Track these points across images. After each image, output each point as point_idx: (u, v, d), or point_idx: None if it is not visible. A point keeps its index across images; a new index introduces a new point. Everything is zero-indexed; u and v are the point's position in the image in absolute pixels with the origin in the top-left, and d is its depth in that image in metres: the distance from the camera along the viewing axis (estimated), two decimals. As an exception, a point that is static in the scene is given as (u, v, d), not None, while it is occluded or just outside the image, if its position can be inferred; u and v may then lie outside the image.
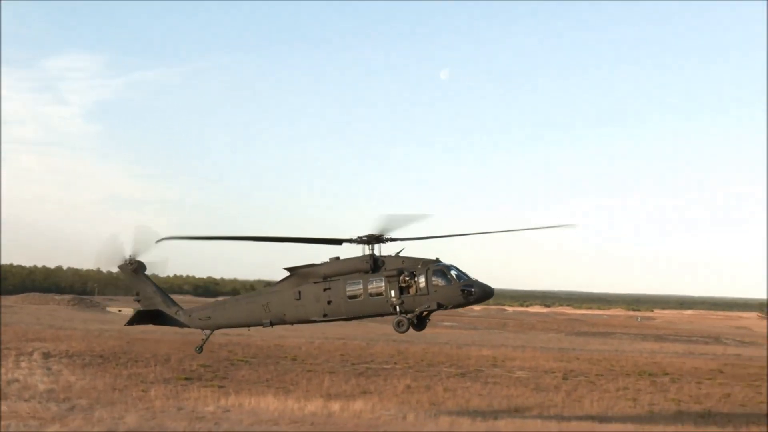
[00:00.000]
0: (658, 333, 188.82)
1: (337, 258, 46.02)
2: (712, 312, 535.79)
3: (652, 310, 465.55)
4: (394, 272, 43.96)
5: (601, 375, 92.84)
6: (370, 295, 44.37)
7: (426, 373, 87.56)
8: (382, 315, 45.65)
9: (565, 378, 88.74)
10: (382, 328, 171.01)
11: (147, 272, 47.65)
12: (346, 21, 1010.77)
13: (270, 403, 61.34)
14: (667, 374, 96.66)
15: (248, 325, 48.56)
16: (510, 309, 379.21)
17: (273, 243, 45.21)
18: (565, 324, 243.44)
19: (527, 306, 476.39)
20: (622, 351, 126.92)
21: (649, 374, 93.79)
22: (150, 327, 50.24)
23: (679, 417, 60.14)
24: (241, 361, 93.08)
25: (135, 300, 48.76)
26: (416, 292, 43.71)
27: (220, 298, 50.32)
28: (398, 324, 43.37)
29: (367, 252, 44.63)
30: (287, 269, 46.59)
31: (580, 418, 60.07)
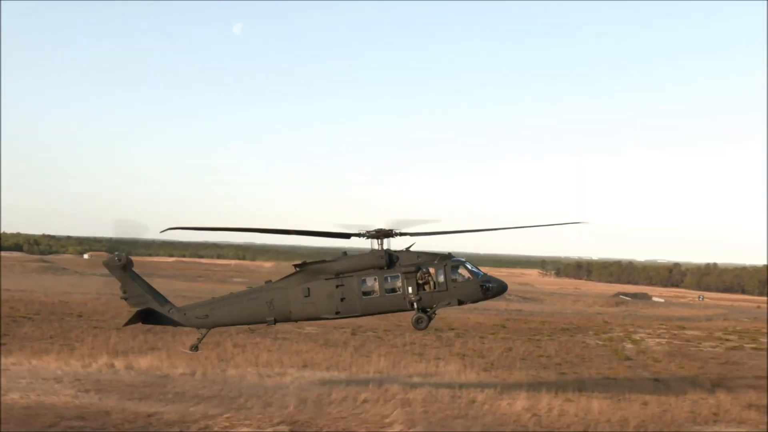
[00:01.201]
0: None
1: (345, 253, 45.30)
2: (496, 269, 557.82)
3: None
4: (412, 268, 43.71)
5: (389, 331, 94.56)
6: (386, 291, 43.93)
7: (216, 330, 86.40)
8: (397, 311, 45.16)
9: (353, 334, 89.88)
10: (170, 284, 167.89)
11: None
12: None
13: (52, 361, 59.00)
14: (452, 329, 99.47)
15: (249, 323, 47.56)
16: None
17: (279, 235, 42.60)
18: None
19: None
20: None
21: (436, 329, 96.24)
22: None
23: (462, 371, 62.00)
24: (24, 317, 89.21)
25: (122, 298, 46.32)
26: (434, 288, 43.65)
27: (216, 296, 48.61)
28: (418, 321, 43.11)
29: (376, 247, 44.07)
30: (296, 266, 45.46)
31: (367, 373, 60.95)
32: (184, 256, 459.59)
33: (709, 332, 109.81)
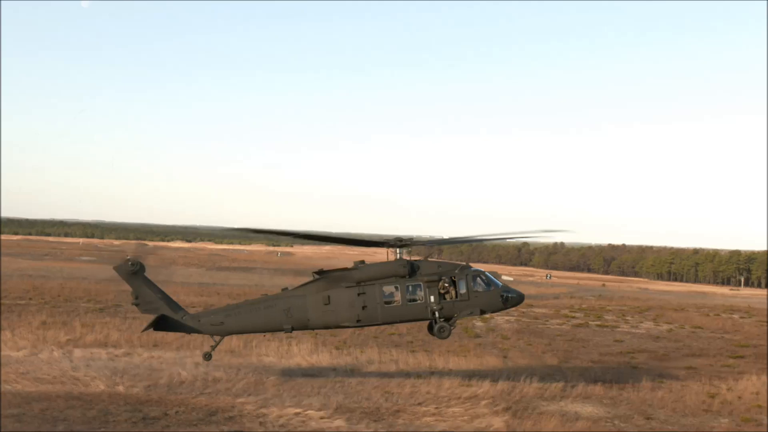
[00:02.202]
0: (296, 268, 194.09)
1: (362, 262, 45.42)
2: (349, 248, 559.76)
3: (292, 246, 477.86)
4: (434, 277, 44.24)
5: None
6: (408, 300, 44.25)
7: (63, 309, 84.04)
8: (419, 320, 45.53)
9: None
10: (15, 263, 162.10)
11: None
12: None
13: None
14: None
15: (266, 331, 46.94)
16: (151, 244, 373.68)
17: (304, 240, 41.59)
18: (206, 259, 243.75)
19: (169, 241, 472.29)
20: (261, 285, 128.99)
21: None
22: None
23: (315, 350, 61.94)
24: None
25: (133, 304, 45.55)
26: (455, 297, 44.27)
27: (231, 302, 46.40)
28: (441, 330, 43.79)
29: (394, 256, 44.79)
30: (316, 273, 45.50)
31: (218, 353, 60.22)
32: (30, 234, 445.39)
33: (557, 310, 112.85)
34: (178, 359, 56.12)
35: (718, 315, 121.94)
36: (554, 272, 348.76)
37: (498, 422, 40.63)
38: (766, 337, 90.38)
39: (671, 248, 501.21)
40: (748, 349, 76.88)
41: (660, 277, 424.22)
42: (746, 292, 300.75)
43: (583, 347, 72.53)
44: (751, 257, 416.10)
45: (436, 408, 43.36)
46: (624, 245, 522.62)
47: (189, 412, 40.61)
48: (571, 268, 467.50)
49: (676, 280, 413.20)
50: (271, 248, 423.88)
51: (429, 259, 46.01)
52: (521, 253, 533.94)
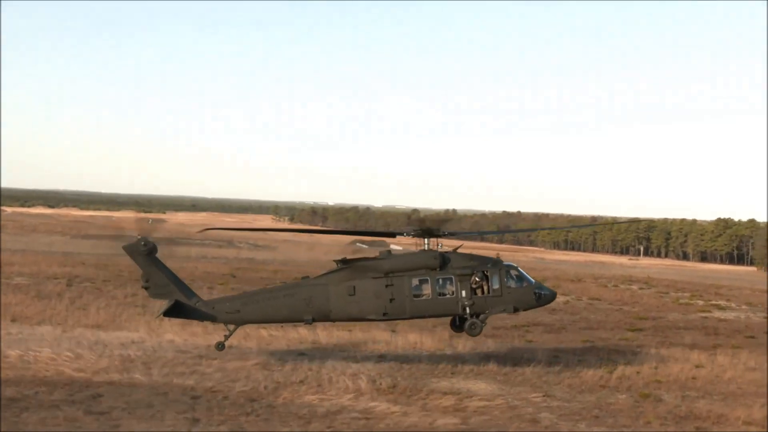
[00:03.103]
0: (169, 236, 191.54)
1: (389, 251, 45.69)
2: (226, 215, 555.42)
3: (165, 212, 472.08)
4: (467, 271, 44.48)
5: (109, 281, 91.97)
6: (438, 294, 44.40)
7: None
8: (448, 315, 45.92)
9: (69, 284, 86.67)
10: None
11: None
12: None
13: None
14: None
15: (285, 321, 47.18)
16: (9, 210, 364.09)
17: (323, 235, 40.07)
18: (70, 226, 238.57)
19: (29, 207, 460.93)
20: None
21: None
22: None
23: (188, 324, 60.99)
24: None
25: (143, 287, 45.65)
26: (488, 293, 44.76)
27: (248, 290, 45.95)
28: (472, 327, 44.26)
29: (421, 247, 45.25)
30: (341, 261, 45.44)
31: (84, 327, 58.98)
32: None
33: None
34: (38, 334, 54.63)
35: (617, 286, 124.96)
36: (444, 241, 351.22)
37: (385, 400, 40.64)
38: (665, 309, 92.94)
39: (568, 216, 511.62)
40: (647, 321, 78.94)
41: (556, 245, 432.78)
42: (645, 261, 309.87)
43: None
44: (650, 225, 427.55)
45: (319, 386, 43.12)
46: (519, 212, 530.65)
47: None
48: (465, 237, 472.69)
49: (573, 249, 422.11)
50: (142, 214, 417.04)
51: (460, 252, 46.16)
52: (411, 222, 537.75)
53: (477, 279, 44.77)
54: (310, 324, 46.13)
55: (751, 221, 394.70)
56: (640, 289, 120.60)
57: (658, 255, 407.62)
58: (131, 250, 44.88)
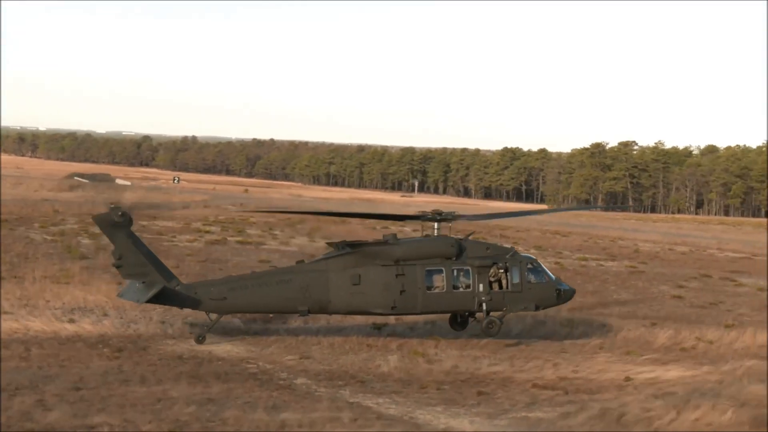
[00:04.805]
0: None
1: (394, 235, 46.79)
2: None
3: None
4: (487, 261, 45.98)
5: None
6: (453, 287, 45.82)
7: None
8: (462, 312, 47.51)
9: None
10: None
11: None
12: None
13: None
14: None
15: (277, 312, 48.42)
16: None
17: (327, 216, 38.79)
18: None
19: None
20: None
21: None
22: None
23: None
24: None
25: (114, 265, 45.91)
26: (506, 288, 46.38)
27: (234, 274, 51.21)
28: (489, 325, 45.79)
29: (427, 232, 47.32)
30: (340, 244, 47.01)
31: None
32: None
33: (187, 223, 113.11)
34: None
35: (387, 228, 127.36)
36: (184, 174, 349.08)
37: (109, 365, 40.06)
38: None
39: (331, 144, 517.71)
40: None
41: (317, 180, 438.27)
42: (421, 198, 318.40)
43: (221, 269, 73.17)
44: (427, 156, 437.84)
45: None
46: (272, 140, 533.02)
47: None
48: (206, 170, 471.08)
49: (337, 184, 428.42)
50: None
51: (475, 240, 47.99)
52: (141, 151, 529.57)
53: (497, 271, 46.44)
54: (306, 316, 46.96)
55: (542, 151, 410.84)
56: (414, 231, 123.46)
57: (436, 191, 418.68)
58: (102, 221, 45.14)
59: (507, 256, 47.13)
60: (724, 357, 48.28)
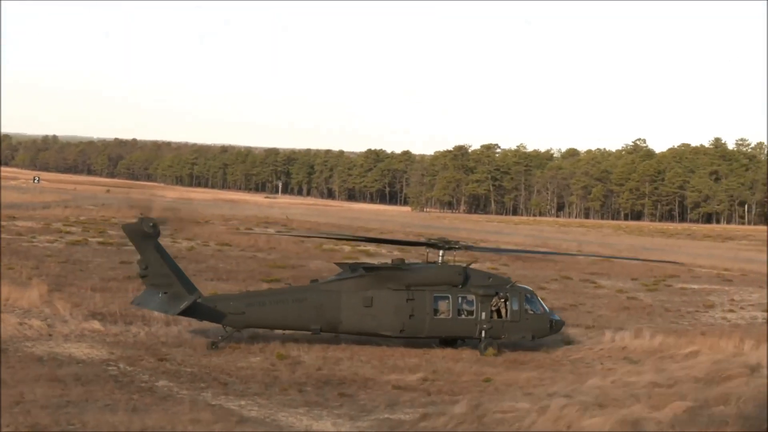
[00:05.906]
0: None
1: (402, 260, 50.05)
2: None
3: None
4: (491, 291, 48.07)
5: None
6: (458, 313, 47.68)
7: None
8: (464, 338, 49.42)
9: None
10: None
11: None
12: None
13: None
14: None
15: (291, 329, 48.40)
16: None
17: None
18: None
19: None
20: None
21: None
22: None
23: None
24: None
25: (140, 275, 46.50)
26: (506, 317, 48.39)
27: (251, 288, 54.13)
28: (486, 346, 47.77)
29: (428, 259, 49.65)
30: (351, 266, 49.25)
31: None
32: None
33: (47, 223, 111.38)
34: None
35: (251, 229, 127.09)
36: (44, 174, 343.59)
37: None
38: (307, 257, 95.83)
39: (194, 144, 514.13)
40: (285, 270, 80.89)
41: (180, 181, 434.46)
42: (285, 200, 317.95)
43: (81, 270, 72.23)
44: (291, 157, 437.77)
45: None
46: (135, 140, 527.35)
47: None
48: (67, 170, 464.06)
49: (200, 185, 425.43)
50: None
51: (477, 269, 50.12)
52: (0, 149, 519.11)
53: (498, 300, 48.35)
54: (318, 334, 47.51)
55: (406, 153, 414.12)
56: (278, 232, 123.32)
57: (300, 192, 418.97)
58: (132, 230, 45.76)
59: (507, 287, 49.39)
60: (584, 359, 49.41)
